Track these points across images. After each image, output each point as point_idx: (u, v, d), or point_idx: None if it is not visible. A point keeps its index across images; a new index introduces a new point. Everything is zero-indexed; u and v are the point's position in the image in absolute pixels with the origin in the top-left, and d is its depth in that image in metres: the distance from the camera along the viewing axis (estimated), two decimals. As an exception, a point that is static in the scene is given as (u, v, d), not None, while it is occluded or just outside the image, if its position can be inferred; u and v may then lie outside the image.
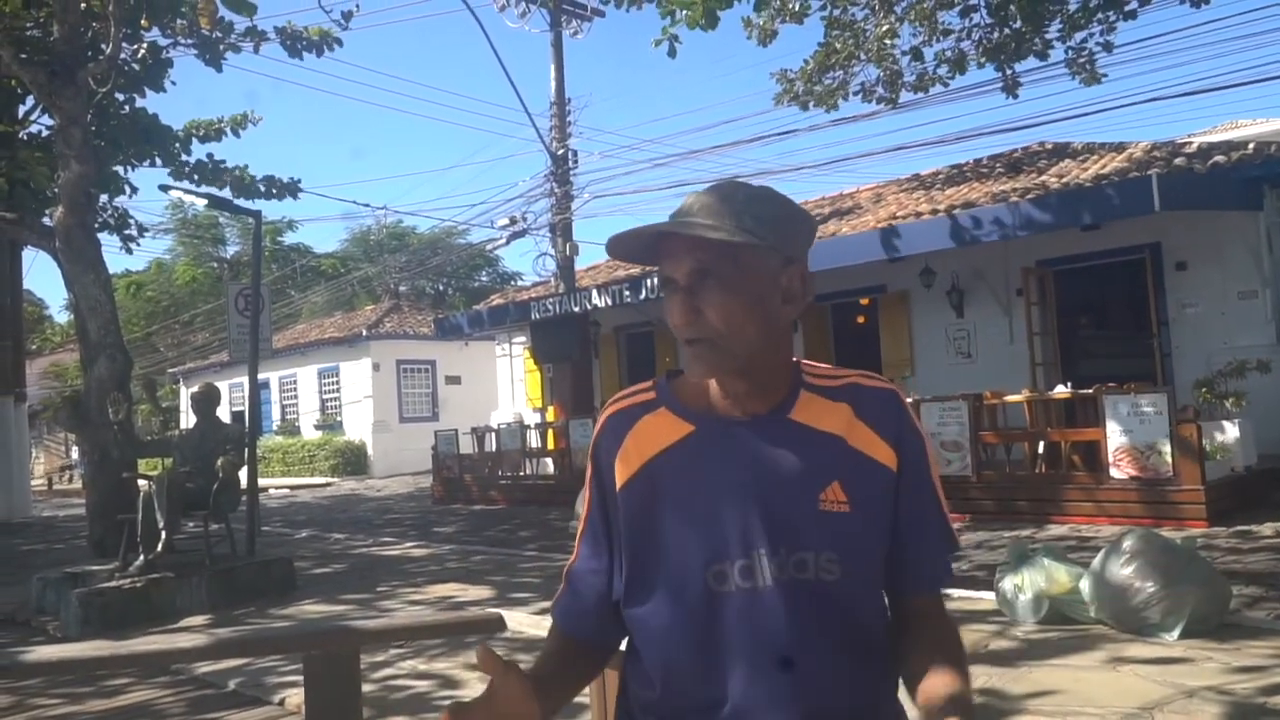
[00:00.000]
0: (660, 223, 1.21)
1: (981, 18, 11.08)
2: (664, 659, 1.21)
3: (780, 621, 1.15)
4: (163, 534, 7.16)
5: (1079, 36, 11.08)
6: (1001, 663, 4.46)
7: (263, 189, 13.20)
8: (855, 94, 12.25)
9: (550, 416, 16.27)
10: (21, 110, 13.09)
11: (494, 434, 15.30)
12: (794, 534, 1.17)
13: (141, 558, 7.15)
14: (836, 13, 11.44)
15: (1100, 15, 10.68)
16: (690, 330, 1.18)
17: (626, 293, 13.70)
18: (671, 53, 8.85)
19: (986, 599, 5.56)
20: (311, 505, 16.98)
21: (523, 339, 18.48)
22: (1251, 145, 10.75)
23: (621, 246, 1.24)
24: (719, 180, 1.26)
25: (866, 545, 1.21)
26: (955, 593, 5.97)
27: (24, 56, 9.51)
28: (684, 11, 8.52)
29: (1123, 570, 4.76)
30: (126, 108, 12.20)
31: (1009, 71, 11.42)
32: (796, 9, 10.97)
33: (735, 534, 1.17)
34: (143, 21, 10.78)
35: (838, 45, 11.63)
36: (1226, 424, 8.85)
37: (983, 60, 11.28)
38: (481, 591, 7.21)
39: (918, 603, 1.28)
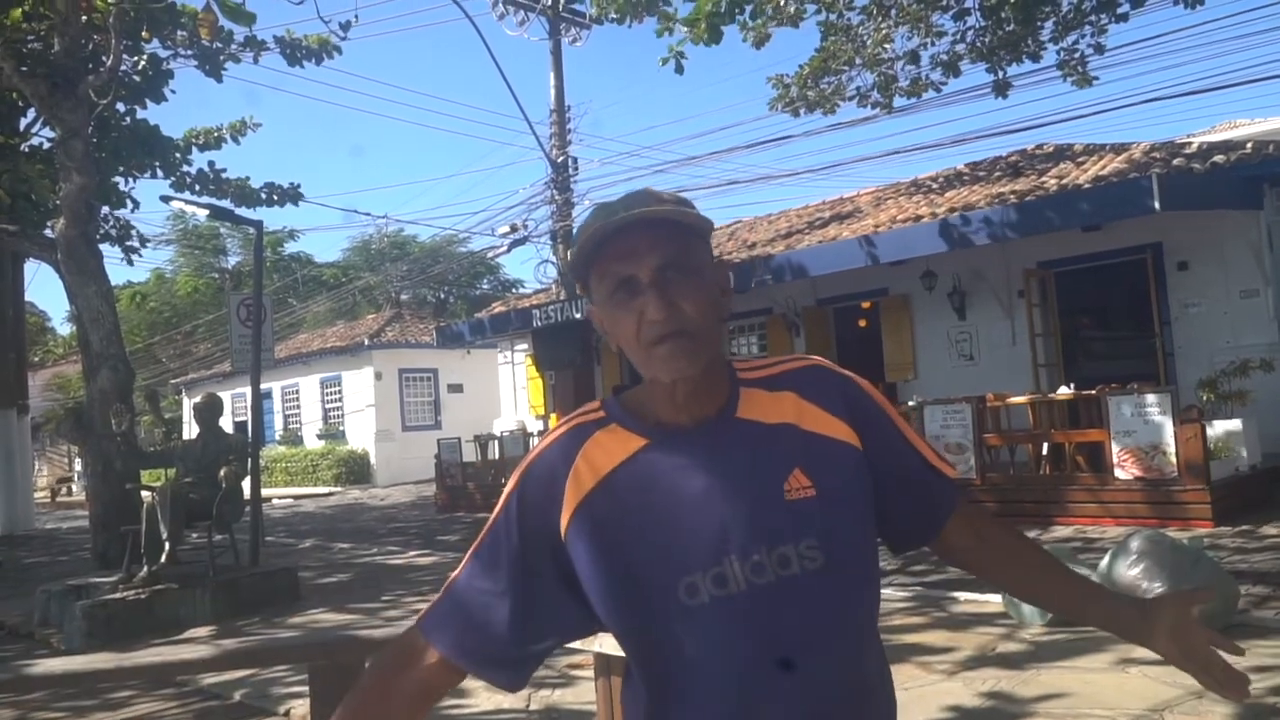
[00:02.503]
0: (620, 216, 1.15)
1: (975, 20, 11.10)
2: (657, 678, 1.17)
3: (770, 623, 1.13)
4: (166, 545, 7.16)
5: (1070, 38, 11.11)
6: (1010, 666, 4.44)
7: (264, 196, 13.22)
8: (851, 99, 12.27)
9: (553, 423, 16.17)
10: (23, 123, 13.13)
11: (497, 442, 15.29)
12: (768, 531, 1.14)
13: (145, 569, 7.14)
14: (832, 17, 11.46)
15: (1092, 17, 10.70)
16: (670, 324, 1.14)
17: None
18: (678, 69, 8.88)
19: (994, 601, 5.56)
20: (315, 515, 16.96)
21: (524, 346, 18.48)
22: (1250, 144, 10.74)
23: (579, 258, 1.19)
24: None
25: (842, 525, 1.18)
26: (961, 595, 5.97)
27: (25, 69, 9.54)
28: (687, 30, 8.56)
29: (1130, 571, 4.74)
30: (127, 119, 12.24)
31: (1001, 74, 11.44)
32: (791, 12, 10.98)
33: (702, 543, 1.14)
34: (143, 33, 10.82)
35: (834, 50, 11.65)
36: (1230, 423, 8.84)
37: (974, 59, 11.29)
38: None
39: (955, 522, 1.32)
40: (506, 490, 1.25)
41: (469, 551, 1.26)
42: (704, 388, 1.20)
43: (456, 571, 1.26)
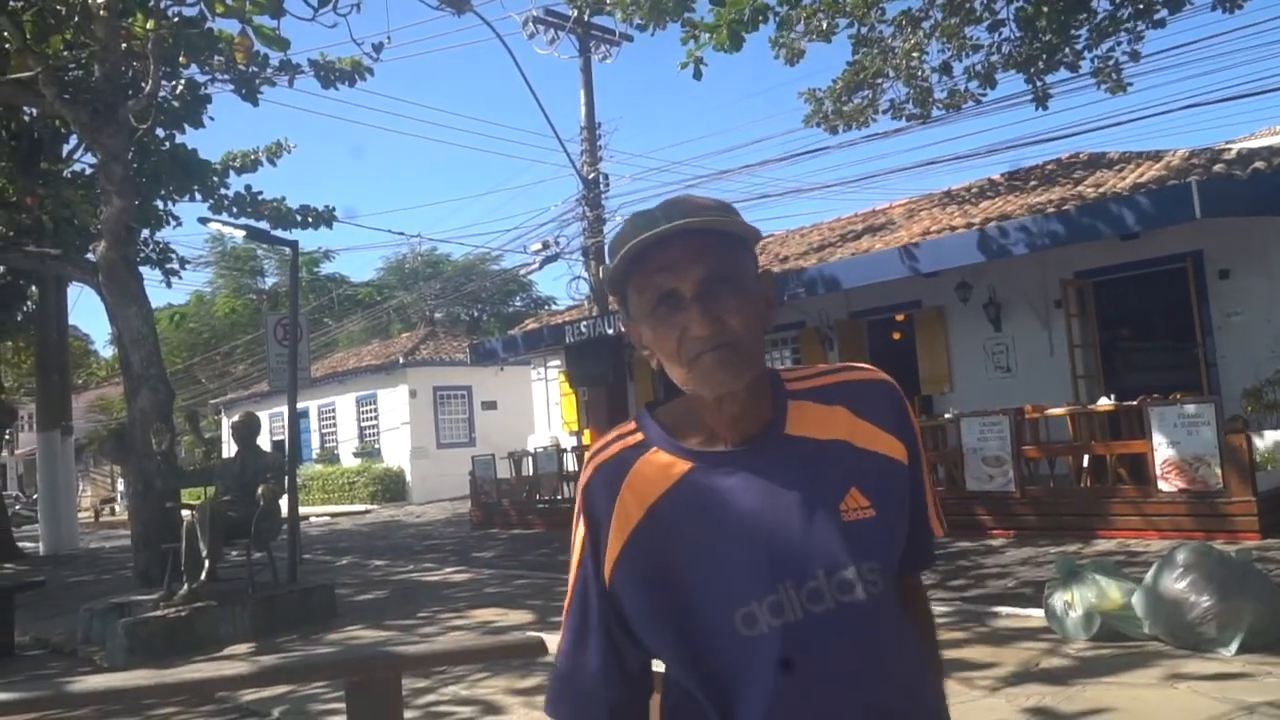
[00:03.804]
0: (661, 228, 1.09)
1: (1010, 31, 11.02)
2: (715, 708, 1.11)
3: (832, 651, 1.07)
4: (206, 563, 7.23)
5: (1105, 45, 11.00)
6: (1054, 681, 4.36)
7: (299, 219, 13.41)
8: (885, 111, 12.22)
9: (586, 439, 16.27)
10: (65, 149, 13.42)
11: (531, 458, 15.32)
12: (826, 555, 1.08)
13: (185, 587, 7.21)
14: (864, 30, 11.43)
15: (1129, 24, 10.59)
16: (717, 337, 1.09)
17: (660, 314, 13.68)
18: (697, 75, 8.90)
19: (1035, 616, 5.46)
20: (352, 532, 17.08)
21: (557, 363, 18.53)
22: (1293, 149, 10.57)
23: (616, 272, 1.15)
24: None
25: (897, 545, 1.15)
26: (1003, 610, 5.87)
27: (67, 96, 9.74)
28: (708, 35, 8.58)
29: (1177, 585, 4.64)
30: (166, 144, 12.46)
31: (1040, 83, 11.35)
32: (824, 28, 10.98)
33: (757, 571, 1.08)
34: (181, 59, 11.02)
35: (866, 63, 11.62)
36: (1276, 433, 8.65)
37: (1010, 69, 11.21)
38: (522, 616, 7.19)
39: (910, 582, 1.27)
40: (579, 540, 1.19)
41: (564, 618, 1.21)
42: (750, 403, 1.15)
43: (558, 647, 1.22)
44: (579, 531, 1.18)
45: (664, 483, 1.14)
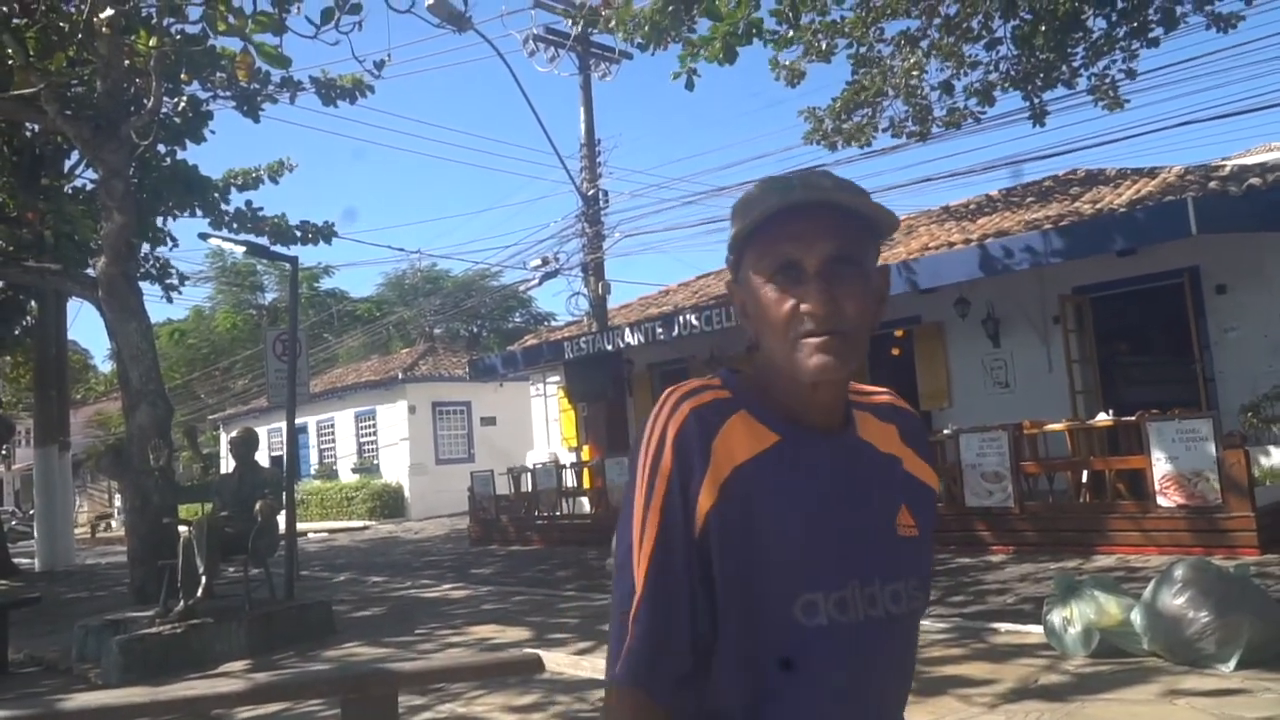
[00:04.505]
0: (807, 194, 1.05)
1: (1008, 49, 11.09)
2: (739, 701, 1.06)
3: (869, 659, 1.07)
4: (203, 579, 7.20)
5: (1101, 63, 11.06)
6: (1053, 698, 4.34)
7: (299, 234, 13.44)
8: (884, 130, 12.27)
9: (585, 455, 16.24)
10: (67, 165, 13.47)
11: (530, 474, 15.30)
12: (886, 564, 1.09)
13: (182, 603, 7.18)
14: (863, 50, 11.50)
15: (1124, 42, 10.65)
16: (829, 320, 1.03)
17: (659, 330, 13.71)
18: (689, 86, 8.94)
19: (1034, 632, 5.44)
20: (350, 548, 17.03)
21: (557, 379, 18.52)
22: (1289, 166, 10.61)
23: (745, 230, 1.08)
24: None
25: (930, 570, 1.18)
26: (1002, 626, 5.86)
27: (69, 112, 9.78)
28: (701, 47, 8.65)
29: (1175, 600, 4.63)
30: (168, 160, 12.51)
31: (1037, 101, 11.40)
32: (824, 48, 11.03)
33: (830, 562, 1.06)
34: (183, 76, 11.08)
35: (865, 82, 11.68)
36: (1275, 448, 8.65)
37: (1007, 87, 11.26)
38: (520, 633, 7.16)
39: None
40: (663, 471, 1.06)
41: (636, 567, 1.05)
42: (839, 396, 1.13)
43: (637, 598, 1.05)
44: (665, 471, 1.06)
45: (754, 446, 1.07)
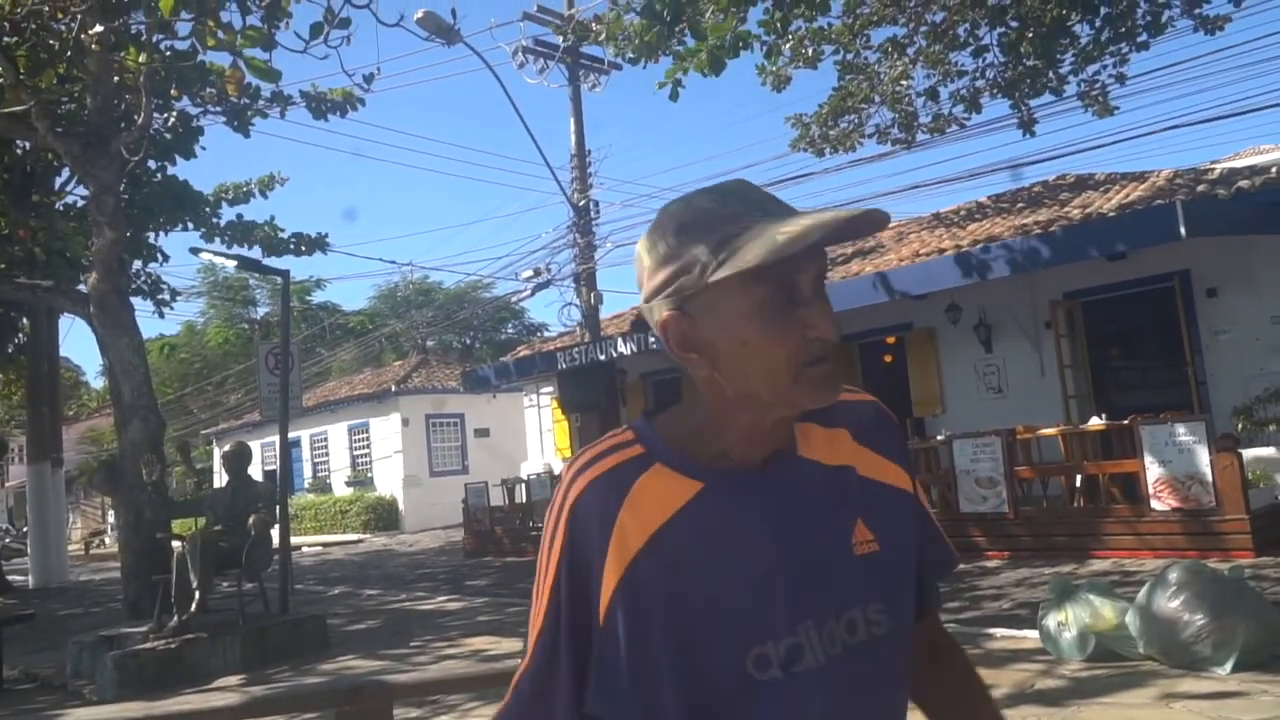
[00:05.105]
0: (859, 210, 0.93)
1: (995, 56, 11.15)
2: None
3: (840, 699, 0.98)
4: (196, 594, 7.18)
5: (1091, 69, 11.12)
6: (1049, 703, 4.34)
7: (291, 246, 13.45)
8: (870, 136, 12.32)
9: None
10: (57, 181, 13.46)
11: (524, 485, 15.28)
12: (839, 593, 0.99)
13: (175, 618, 7.16)
14: (850, 57, 11.55)
15: (1112, 48, 10.72)
16: (831, 342, 0.96)
17: (652, 340, 13.72)
18: (674, 96, 8.97)
19: (1030, 637, 5.45)
20: (344, 562, 16.98)
21: (550, 389, 18.51)
22: (1275, 169, 10.65)
23: (754, 258, 0.91)
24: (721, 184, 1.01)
25: (903, 584, 1.05)
26: (998, 632, 5.86)
27: (59, 129, 9.79)
28: (689, 60, 8.69)
29: (1170, 603, 4.64)
30: (158, 175, 12.51)
31: (1025, 108, 11.46)
32: (810, 54, 11.08)
33: (775, 608, 0.96)
34: (173, 91, 11.08)
35: (852, 89, 11.73)
36: (1267, 450, 8.68)
37: (995, 94, 11.32)
38: (515, 644, 7.14)
39: (925, 624, 1.15)
40: (555, 553, 1.01)
41: (530, 636, 1.03)
42: (783, 419, 1.02)
43: (525, 663, 1.03)
44: (556, 554, 1.01)
45: (671, 505, 0.98)
